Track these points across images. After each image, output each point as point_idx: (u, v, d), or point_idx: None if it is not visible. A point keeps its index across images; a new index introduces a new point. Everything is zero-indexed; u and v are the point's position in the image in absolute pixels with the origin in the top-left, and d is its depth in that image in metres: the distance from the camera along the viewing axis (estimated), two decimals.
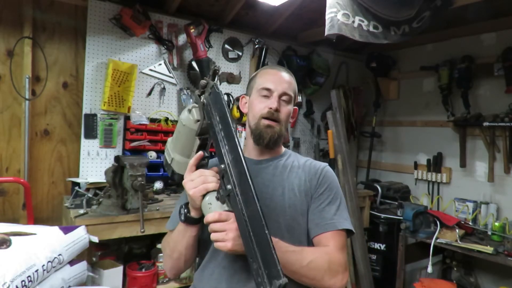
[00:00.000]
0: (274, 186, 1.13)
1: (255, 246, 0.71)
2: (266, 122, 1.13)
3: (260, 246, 0.72)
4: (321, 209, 1.12)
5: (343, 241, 1.10)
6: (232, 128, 0.86)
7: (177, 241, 1.07)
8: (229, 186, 0.82)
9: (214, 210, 0.85)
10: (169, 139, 1.11)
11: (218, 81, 2.44)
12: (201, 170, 0.92)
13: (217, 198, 0.86)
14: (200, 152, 0.94)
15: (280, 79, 1.16)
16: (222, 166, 0.85)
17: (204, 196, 0.89)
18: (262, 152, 1.19)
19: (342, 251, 1.07)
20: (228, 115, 0.88)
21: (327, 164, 1.23)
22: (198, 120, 0.96)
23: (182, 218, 1.00)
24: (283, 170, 1.17)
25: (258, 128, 1.14)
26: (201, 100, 0.94)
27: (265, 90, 1.14)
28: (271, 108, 1.12)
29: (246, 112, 1.22)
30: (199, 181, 0.90)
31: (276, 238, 0.93)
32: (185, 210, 0.99)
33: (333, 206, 1.13)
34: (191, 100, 2.75)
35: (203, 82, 0.95)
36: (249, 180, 0.79)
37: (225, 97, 2.73)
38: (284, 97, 1.15)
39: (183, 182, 0.94)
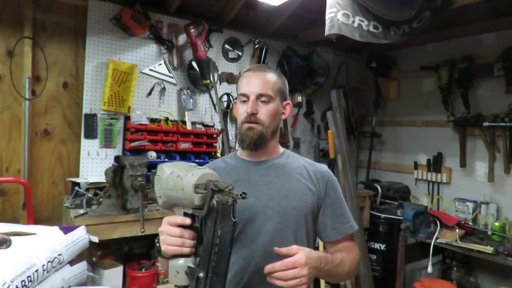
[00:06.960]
0: (276, 188, 1.13)
1: None
2: (246, 125, 1.13)
3: None
4: (338, 214, 1.18)
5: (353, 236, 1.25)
6: (229, 252, 0.80)
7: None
8: (201, 274, 0.80)
9: (178, 281, 0.83)
10: (163, 174, 0.92)
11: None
12: (181, 230, 0.87)
13: (186, 273, 0.84)
14: (188, 220, 0.88)
15: (255, 81, 1.13)
16: (201, 274, 0.81)
17: (174, 256, 0.87)
18: (256, 155, 1.18)
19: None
20: (229, 242, 0.80)
21: (326, 166, 1.25)
22: (198, 205, 0.86)
23: (156, 253, 0.95)
24: (284, 171, 1.17)
25: (240, 132, 1.15)
26: (212, 200, 0.83)
27: (242, 95, 1.14)
28: (247, 113, 1.12)
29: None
30: (176, 242, 0.86)
31: (326, 254, 1.05)
32: (158, 245, 0.92)
33: (345, 209, 1.21)
34: (191, 100, 2.74)
35: (223, 184, 0.83)
36: None
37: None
38: (261, 98, 1.12)
39: (160, 229, 0.90)
